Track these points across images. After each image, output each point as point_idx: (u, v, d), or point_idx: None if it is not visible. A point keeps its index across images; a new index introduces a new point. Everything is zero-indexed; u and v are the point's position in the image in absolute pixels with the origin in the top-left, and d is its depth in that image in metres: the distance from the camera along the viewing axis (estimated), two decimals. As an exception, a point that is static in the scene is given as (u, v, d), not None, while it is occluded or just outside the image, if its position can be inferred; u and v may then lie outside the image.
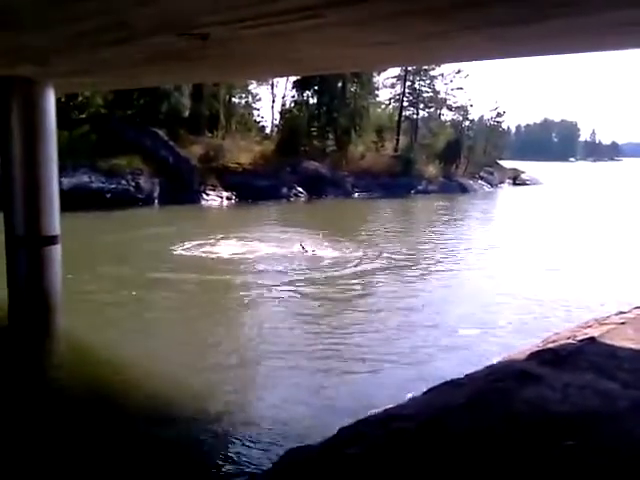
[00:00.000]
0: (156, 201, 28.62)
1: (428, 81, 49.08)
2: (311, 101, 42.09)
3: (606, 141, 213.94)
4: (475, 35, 4.87)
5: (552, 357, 4.38)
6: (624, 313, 5.95)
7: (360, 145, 41.90)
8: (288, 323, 10.33)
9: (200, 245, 17.28)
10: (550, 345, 4.90)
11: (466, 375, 4.47)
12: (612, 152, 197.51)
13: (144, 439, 6.23)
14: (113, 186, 27.32)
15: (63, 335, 9.35)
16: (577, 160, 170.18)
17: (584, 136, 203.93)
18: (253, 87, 42.22)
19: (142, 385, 7.51)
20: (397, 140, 46.27)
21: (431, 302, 11.96)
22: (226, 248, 16.92)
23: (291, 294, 12.20)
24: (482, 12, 4.11)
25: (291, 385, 7.59)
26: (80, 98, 29.14)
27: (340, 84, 40.62)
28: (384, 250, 17.67)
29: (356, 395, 7.12)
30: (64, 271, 9.95)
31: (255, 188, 32.11)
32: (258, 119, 43.95)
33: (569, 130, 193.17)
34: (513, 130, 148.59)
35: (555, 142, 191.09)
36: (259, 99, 43.82)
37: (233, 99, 40.09)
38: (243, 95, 41.77)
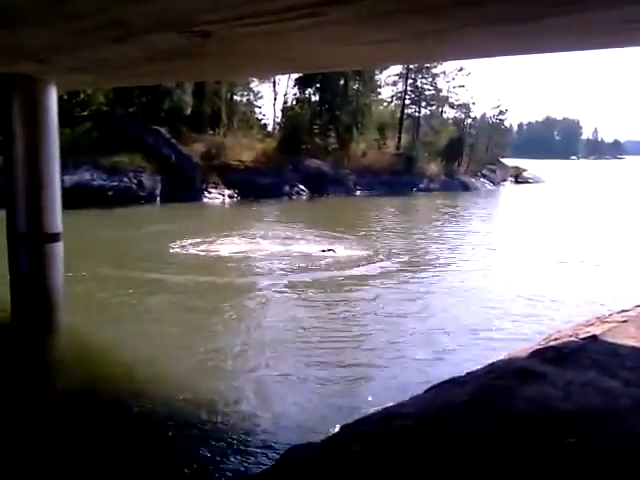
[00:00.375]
0: (158, 199, 28.65)
1: (430, 79, 49.07)
2: (313, 99, 42.11)
3: (608, 139, 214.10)
4: (474, 33, 4.86)
5: (554, 355, 4.37)
6: (626, 311, 5.93)
7: (362, 143, 41.92)
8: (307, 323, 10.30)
9: (203, 243, 17.30)
10: (552, 343, 4.89)
11: (467, 373, 4.47)
12: (614, 150, 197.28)
13: (144, 437, 6.25)
14: (115, 184, 27.36)
15: (66, 332, 9.35)
16: (579, 158, 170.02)
17: (586, 134, 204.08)
18: (255, 85, 42.32)
19: (143, 384, 7.53)
20: (399, 138, 46.27)
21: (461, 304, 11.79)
22: (229, 247, 16.91)
23: (313, 296, 12.06)
24: (481, 10, 4.10)
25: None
26: (82, 96, 29.17)
27: (342, 82, 40.61)
28: (391, 249, 17.59)
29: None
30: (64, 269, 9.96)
31: (257, 186, 32.13)
32: (260, 117, 44.12)
33: (571, 128, 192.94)
34: (515, 128, 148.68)
35: (557, 140, 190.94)
36: (261, 97, 43.95)
37: (235, 97, 40.14)
38: (245, 93, 41.82)
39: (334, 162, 38.20)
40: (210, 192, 31.28)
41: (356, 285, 13.03)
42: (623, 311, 5.95)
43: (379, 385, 7.61)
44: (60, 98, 10.31)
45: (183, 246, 16.82)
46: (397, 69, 47.48)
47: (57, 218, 9.38)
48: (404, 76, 47.60)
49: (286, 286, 12.78)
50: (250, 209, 28.84)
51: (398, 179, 40.07)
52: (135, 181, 28.18)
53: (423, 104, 49.61)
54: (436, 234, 22.21)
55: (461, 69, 49.03)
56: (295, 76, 40.53)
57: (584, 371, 3.98)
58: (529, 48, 6.11)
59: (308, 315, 10.62)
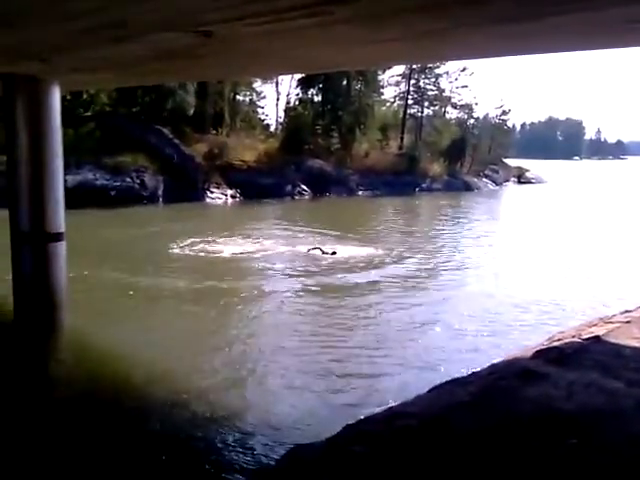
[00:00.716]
0: (160, 199, 28.67)
1: (433, 79, 49.09)
2: (316, 99, 42.13)
3: (611, 139, 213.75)
4: (476, 33, 4.86)
5: (557, 355, 4.36)
6: (629, 312, 5.92)
7: (364, 143, 41.91)
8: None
9: (205, 243, 17.28)
10: (555, 343, 4.89)
11: (470, 373, 4.47)
12: (617, 150, 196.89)
13: (145, 437, 6.25)
14: (118, 183, 27.39)
15: (68, 332, 9.37)
16: (582, 159, 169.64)
17: (589, 134, 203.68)
18: (258, 85, 42.34)
19: (144, 384, 7.54)
20: (402, 138, 46.28)
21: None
22: (231, 247, 16.85)
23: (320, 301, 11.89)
24: (483, 9, 4.10)
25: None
26: (85, 96, 29.22)
27: (345, 82, 40.64)
28: (394, 250, 17.50)
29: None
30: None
31: (259, 186, 32.15)
32: (262, 117, 44.15)
33: (574, 128, 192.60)
34: (518, 128, 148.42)
35: (560, 140, 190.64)
36: (264, 97, 43.96)
37: (238, 97, 40.18)
38: (248, 93, 41.83)
39: (336, 162, 38.20)
40: (212, 192, 31.29)
41: (359, 288, 12.87)
42: (626, 312, 5.94)
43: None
44: (63, 98, 10.33)
45: (185, 246, 16.80)
46: (400, 69, 47.59)
47: (60, 217, 9.39)
48: (407, 76, 47.61)
49: (287, 290, 12.56)
50: (252, 209, 28.85)
51: (400, 179, 40.04)
52: (138, 181, 28.21)
53: (426, 104, 49.61)
54: (439, 235, 22.17)
55: (464, 69, 49.10)
56: (298, 76, 40.59)
57: (587, 372, 3.97)
58: (532, 48, 6.10)
59: (307, 321, 10.60)
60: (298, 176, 35.35)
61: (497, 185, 51.81)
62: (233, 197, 31.94)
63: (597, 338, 4.74)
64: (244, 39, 5.12)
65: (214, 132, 35.25)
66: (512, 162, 61.73)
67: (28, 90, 8.86)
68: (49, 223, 9.21)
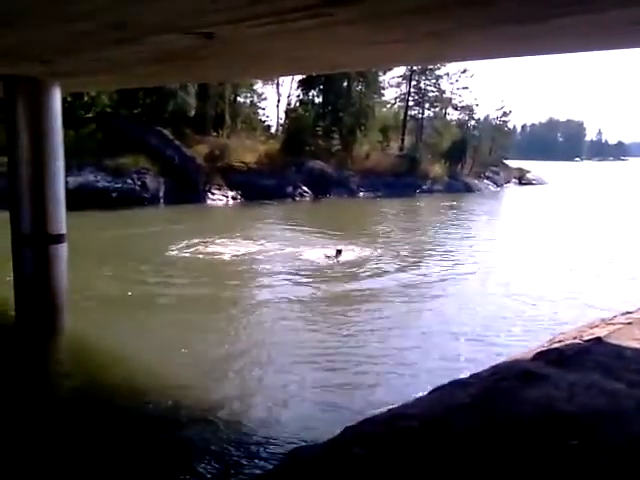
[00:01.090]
0: (161, 200, 28.68)
1: (434, 80, 49.10)
2: (316, 100, 42.17)
3: (612, 141, 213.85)
4: (479, 34, 4.86)
5: (558, 357, 4.36)
6: (631, 313, 5.92)
7: (365, 144, 41.92)
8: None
9: (206, 245, 17.27)
10: (556, 345, 4.88)
11: (471, 375, 4.46)
12: (618, 152, 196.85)
13: (146, 437, 6.26)
14: (119, 185, 27.41)
15: (70, 334, 9.37)
16: (583, 160, 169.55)
17: (590, 136, 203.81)
18: (258, 86, 42.36)
19: (145, 383, 7.55)
20: (402, 139, 46.31)
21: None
22: (232, 249, 16.80)
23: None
24: (485, 11, 4.10)
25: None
26: (86, 97, 29.25)
27: (345, 83, 40.67)
28: (397, 251, 17.42)
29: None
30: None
31: (260, 187, 32.18)
32: (263, 118, 44.15)
33: (575, 130, 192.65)
34: (519, 129, 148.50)
35: (561, 142, 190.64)
36: (264, 98, 43.99)
37: (238, 98, 40.22)
38: (248, 94, 41.86)
39: (337, 164, 38.21)
40: (213, 193, 31.31)
41: (363, 292, 12.69)
42: (627, 313, 5.93)
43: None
44: (64, 100, 10.34)
45: (186, 248, 16.79)
46: (401, 70, 47.60)
47: (61, 219, 9.39)
48: (408, 77, 47.62)
49: (290, 296, 12.22)
50: (253, 211, 28.84)
51: (401, 181, 40.04)
52: (139, 183, 28.22)
53: (426, 106, 49.62)
54: (441, 237, 22.13)
55: (464, 71, 49.13)
56: (298, 78, 40.65)
57: (588, 373, 3.97)
58: (534, 49, 6.09)
59: (308, 327, 10.42)
60: (299, 177, 35.37)
61: (498, 186, 51.80)
62: (234, 199, 31.95)
63: (598, 339, 4.73)
64: (246, 40, 5.12)
65: (215, 134, 35.27)
66: (513, 163, 61.72)
67: (29, 91, 8.87)
68: (50, 225, 9.21)
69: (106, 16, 4.40)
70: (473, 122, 53.39)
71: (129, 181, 27.93)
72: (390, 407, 3.93)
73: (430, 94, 49.51)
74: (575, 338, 5.00)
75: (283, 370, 8.17)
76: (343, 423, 3.62)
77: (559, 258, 17.22)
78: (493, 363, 4.60)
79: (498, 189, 50.90)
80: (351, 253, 16.31)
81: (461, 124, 52.33)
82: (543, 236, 22.02)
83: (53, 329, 9.38)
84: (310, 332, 9.88)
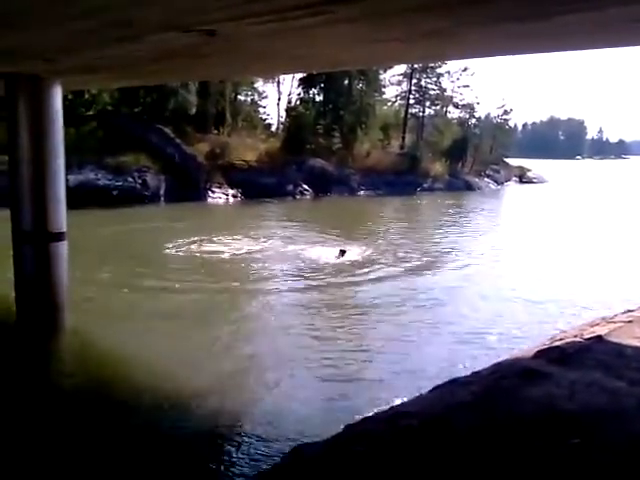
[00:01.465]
0: (162, 198, 28.69)
1: (434, 79, 49.02)
2: (317, 99, 42.13)
3: (613, 139, 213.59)
4: (481, 32, 4.86)
5: (559, 355, 4.36)
6: (631, 311, 5.93)
7: (366, 143, 41.89)
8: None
9: (207, 243, 17.27)
10: (557, 343, 4.89)
11: (472, 373, 4.46)
12: (619, 150, 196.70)
13: (147, 436, 6.26)
14: (119, 183, 27.40)
15: (70, 332, 9.38)
16: (584, 158, 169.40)
17: (591, 134, 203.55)
18: (259, 84, 42.38)
19: (146, 382, 7.56)
20: (403, 138, 46.27)
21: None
22: (232, 248, 16.74)
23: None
24: (487, 8, 4.10)
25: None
26: (87, 95, 29.24)
27: (346, 81, 40.63)
28: (400, 251, 17.27)
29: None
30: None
31: (261, 185, 32.17)
32: (264, 116, 44.14)
33: (576, 128, 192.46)
34: (519, 128, 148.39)
35: (562, 140, 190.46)
36: (265, 96, 43.98)
37: (239, 96, 40.21)
38: (249, 92, 41.85)
39: (338, 162, 38.18)
40: (214, 192, 31.31)
41: (367, 291, 12.63)
42: (628, 311, 5.94)
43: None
44: (65, 98, 10.33)
45: (187, 246, 16.79)
46: (401, 69, 47.54)
47: (62, 217, 9.39)
48: (408, 76, 47.55)
49: (294, 300, 12.00)
50: (254, 209, 28.81)
51: (402, 179, 40.00)
52: (139, 181, 28.22)
53: (427, 104, 49.54)
54: (443, 236, 21.96)
55: (465, 69, 49.09)
56: (299, 76, 40.61)
57: (589, 371, 3.97)
58: (535, 47, 6.09)
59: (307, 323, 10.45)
60: (299, 176, 35.35)
61: (499, 185, 51.77)
62: (235, 197, 31.95)
63: (599, 338, 4.74)
64: (247, 38, 5.12)
65: (216, 132, 35.26)
66: (514, 162, 61.64)
67: (30, 89, 8.86)
68: (51, 223, 9.21)
69: (107, 14, 4.39)
70: (474, 120, 53.38)
71: (130, 179, 27.93)
72: (391, 405, 3.93)
73: (431, 92, 49.46)
74: (576, 336, 5.01)
75: (284, 370, 8.18)
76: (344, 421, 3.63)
77: (560, 257, 17.20)
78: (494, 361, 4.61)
79: (499, 187, 50.87)
80: (353, 253, 16.09)
81: (462, 122, 52.28)
82: (544, 235, 21.98)
83: (54, 327, 9.38)
84: (311, 332, 9.91)
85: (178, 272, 13.74)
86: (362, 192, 37.86)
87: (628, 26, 4.49)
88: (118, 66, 7.54)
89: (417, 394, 4.34)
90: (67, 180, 9.90)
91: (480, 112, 55.89)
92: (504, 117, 56.52)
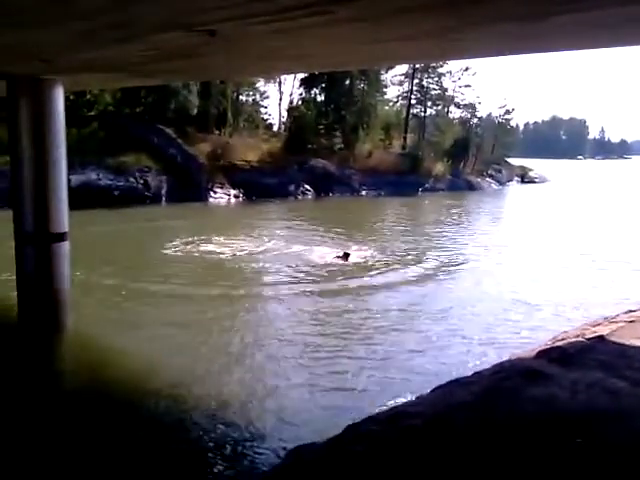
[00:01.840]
0: (163, 199, 28.74)
1: (436, 78, 49.03)
2: (319, 98, 42.15)
3: (615, 139, 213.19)
4: (482, 31, 4.85)
5: (560, 355, 4.36)
6: (633, 311, 5.91)
7: (368, 143, 41.89)
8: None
9: (208, 243, 17.25)
10: (559, 343, 4.88)
11: (474, 373, 4.45)
12: (621, 150, 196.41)
13: (148, 435, 6.27)
14: (121, 183, 27.46)
15: (72, 332, 9.39)
16: (585, 158, 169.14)
17: (593, 134, 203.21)
18: (261, 85, 42.44)
19: (147, 382, 7.56)
20: (405, 138, 46.27)
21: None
22: (234, 248, 16.71)
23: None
24: (486, 8, 4.09)
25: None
26: (88, 96, 29.26)
27: (348, 81, 40.63)
28: (403, 252, 17.20)
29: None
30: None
31: (263, 186, 32.21)
32: (266, 117, 44.19)
33: (578, 128, 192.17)
34: (521, 128, 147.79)
35: (564, 140, 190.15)
36: (267, 97, 44.10)
37: (241, 97, 40.25)
38: (251, 93, 41.89)
39: (340, 162, 38.18)
40: (216, 192, 31.34)
41: (371, 294, 12.50)
42: (630, 311, 5.93)
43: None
44: (67, 98, 10.33)
45: (187, 246, 16.78)
46: (403, 68, 47.55)
47: (64, 218, 9.40)
48: (410, 76, 47.56)
49: (300, 305, 11.71)
50: (256, 209, 28.83)
51: (404, 179, 39.95)
52: (141, 181, 28.27)
53: (429, 104, 49.56)
54: (445, 237, 21.85)
55: (467, 69, 49.03)
56: (301, 76, 40.63)
57: (591, 371, 3.96)
58: (534, 47, 6.08)
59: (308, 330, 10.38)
60: (301, 176, 35.37)
61: (500, 185, 51.72)
62: (236, 197, 31.98)
63: (601, 338, 4.73)
64: (247, 38, 5.11)
65: (217, 132, 35.30)
66: (515, 161, 61.59)
67: (31, 90, 8.87)
68: (53, 223, 9.21)
69: (107, 15, 4.39)
70: (475, 120, 53.35)
71: (131, 179, 27.98)
72: (393, 405, 3.93)
73: (432, 92, 49.47)
74: (578, 336, 5.00)
75: (285, 370, 8.18)
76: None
77: (561, 257, 17.17)
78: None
79: (500, 187, 50.81)
80: (357, 255, 15.93)
81: (463, 122, 52.24)
82: (546, 235, 21.95)
83: (56, 326, 9.39)
84: (314, 332, 9.90)
85: (178, 273, 13.73)
86: (364, 192, 37.86)
87: (623, 26, 4.49)
88: (118, 67, 7.54)
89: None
90: (69, 180, 9.91)
91: (482, 112, 56.17)
92: (506, 117, 56.52)
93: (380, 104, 45.94)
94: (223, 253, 16.00)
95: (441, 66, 47.41)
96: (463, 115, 52.79)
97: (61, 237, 9.35)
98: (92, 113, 29.75)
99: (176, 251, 16.20)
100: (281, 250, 16.88)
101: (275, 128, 43.35)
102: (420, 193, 40.10)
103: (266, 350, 8.88)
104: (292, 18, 4.21)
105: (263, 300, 11.99)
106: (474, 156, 49.91)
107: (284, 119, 43.39)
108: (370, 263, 15.31)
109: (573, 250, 18.30)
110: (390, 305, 11.60)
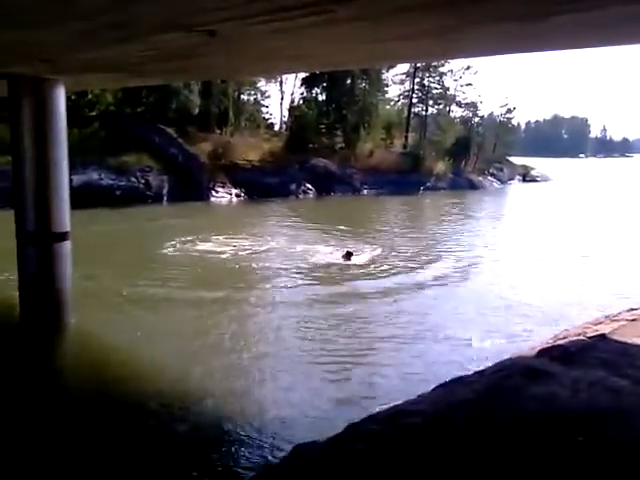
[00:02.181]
0: (165, 198, 28.75)
1: (437, 77, 49.04)
2: (320, 98, 42.14)
3: (617, 137, 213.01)
4: (482, 30, 4.85)
5: (562, 354, 4.35)
6: (635, 310, 5.90)
7: (369, 142, 41.87)
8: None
9: (209, 243, 17.24)
10: (560, 342, 4.87)
11: (475, 372, 4.45)
12: (623, 148, 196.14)
13: (149, 434, 6.29)
14: (122, 183, 27.49)
15: (74, 331, 9.40)
16: (587, 156, 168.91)
17: (594, 132, 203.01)
18: (262, 84, 42.46)
19: (147, 381, 7.57)
20: (406, 137, 46.24)
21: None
22: (234, 247, 16.69)
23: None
24: (486, 7, 4.09)
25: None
26: (90, 96, 29.29)
27: (349, 81, 40.62)
28: (405, 252, 17.09)
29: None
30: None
31: (264, 185, 32.22)
32: (267, 116, 44.22)
33: (579, 126, 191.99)
34: (523, 126, 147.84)
35: (565, 138, 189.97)
36: (268, 96, 44.09)
37: (242, 96, 40.24)
38: (252, 92, 41.91)
39: (341, 161, 38.18)
40: (217, 191, 31.36)
41: (372, 295, 12.34)
42: (632, 310, 5.92)
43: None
44: (68, 98, 10.35)
45: (189, 246, 16.78)
46: (404, 68, 47.57)
47: (65, 217, 9.42)
48: (411, 75, 47.55)
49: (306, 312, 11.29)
50: (257, 208, 28.83)
51: (405, 178, 39.92)
52: (142, 181, 28.30)
53: (430, 103, 49.56)
54: (447, 236, 21.74)
55: (468, 67, 49.01)
56: (302, 75, 40.62)
57: (592, 370, 3.95)
58: (534, 46, 6.08)
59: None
60: (302, 175, 35.38)
61: (502, 183, 51.67)
62: (238, 196, 31.99)
63: (602, 336, 4.72)
64: (247, 38, 5.12)
65: (218, 131, 35.32)
66: (517, 160, 61.52)
67: (33, 90, 8.88)
68: (54, 223, 9.23)
69: (107, 15, 4.40)
70: (477, 119, 53.34)
71: (132, 179, 28.01)
72: (394, 404, 3.93)
73: (434, 91, 49.46)
74: (579, 335, 4.99)
75: (286, 370, 8.19)
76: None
77: (561, 256, 17.13)
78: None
79: (502, 186, 50.75)
80: (360, 255, 15.83)
81: (465, 121, 52.23)
82: (548, 234, 21.91)
83: (57, 326, 9.41)
84: (316, 331, 9.91)
85: (179, 272, 13.72)
86: (365, 191, 37.85)
87: (623, 25, 4.49)
88: (119, 67, 7.55)
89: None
90: (70, 180, 9.92)
91: (483, 111, 56.30)
92: (507, 115, 56.41)
93: (381, 103, 45.94)
94: (224, 252, 15.95)
95: (442, 65, 47.38)
96: (464, 114, 52.85)
97: (63, 237, 9.37)
98: (93, 113, 29.76)
99: (176, 250, 16.19)
100: (283, 249, 16.86)
101: (276, 127, 43.42)
102: (421, 192, 40.05)
103: (266, 351, 8.90)
104: (291, 18, 4.22)
105: (266, 296, 12.00)
106: (475, 155, 49.86)
107: (285, 118, 43.49)
108: (372, 263, 15.28)
109: (575, 249, 18.25)
110: (397, 308, 11.46)
